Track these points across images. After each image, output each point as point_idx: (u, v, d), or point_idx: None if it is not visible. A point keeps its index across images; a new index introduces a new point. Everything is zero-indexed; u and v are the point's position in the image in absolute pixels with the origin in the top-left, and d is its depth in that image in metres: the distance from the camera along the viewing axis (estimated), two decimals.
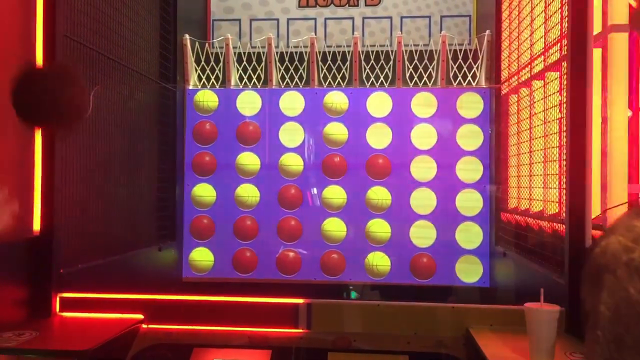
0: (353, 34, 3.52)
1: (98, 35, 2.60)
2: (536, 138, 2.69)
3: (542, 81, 2.64)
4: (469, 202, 3.39)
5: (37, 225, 2.22)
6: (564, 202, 2.17)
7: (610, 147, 2.02)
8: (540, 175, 2.60)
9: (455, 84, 3.43)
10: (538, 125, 2.66)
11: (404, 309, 2.17)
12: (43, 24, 2.23)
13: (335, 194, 3.46)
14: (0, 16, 2.11)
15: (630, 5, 2.28)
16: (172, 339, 2.20)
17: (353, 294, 3.64)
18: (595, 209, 2.09)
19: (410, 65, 3.46)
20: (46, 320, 2.18)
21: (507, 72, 3.25)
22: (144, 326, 2.23)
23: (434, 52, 3.44)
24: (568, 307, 2.05)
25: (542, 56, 2.62)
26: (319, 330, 2.15)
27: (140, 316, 2.23)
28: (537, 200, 2.63)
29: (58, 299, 2.24)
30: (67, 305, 2.25)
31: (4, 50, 2.12)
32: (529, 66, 2.82)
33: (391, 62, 3.47)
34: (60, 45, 2.26)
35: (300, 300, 2.19)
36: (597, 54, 2.12)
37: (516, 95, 3.06)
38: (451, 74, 3.43)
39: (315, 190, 3.48)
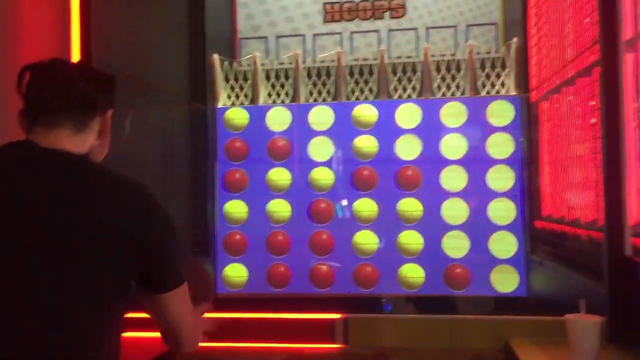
0: (379, 46, 3.54)
1: (131, 59, 2.67)
2: (569, 145, 2.66)
3: (574, 87, 2.61)
4: (502, 211, 3.36)
5: None
6: (601, 209, 2.14)
7: None
8: (575, 182, 2.57)
9: (484, 93, 3.41)
10: (571, 132, 2.63)
11: (441, 322, 2.16)
12: (80, 51, 2.29)
13: (366, 206, 3.46)
14: (38, 44, 2.19)
15: None
16: (213, 356, 2.22)
17: (387, 306, 3.63)
18: (634, 216, 2.05)
19: (438, 76, 3.45)
20: None
21: (536, 79, 3.22)
22: None
23: (461, 62, 3.43)
24: (609, 317, 2.02)
25: (573, 62, 2.59)
26: (356, 344, 2.15)
27: None
28: (573, 207, 2.60)
29: None
30: None
31: None
32: (560, 73, 2.79)
33: (419, 73, 3.47)
34: None
35: (336, 315, 2.19)
36: (628, 59, 2.09)
37: (547, 102, 3.03)
38: (479, 83, 3.41)
39: (345, 202, 3.49)
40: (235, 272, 3.54)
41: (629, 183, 2.03)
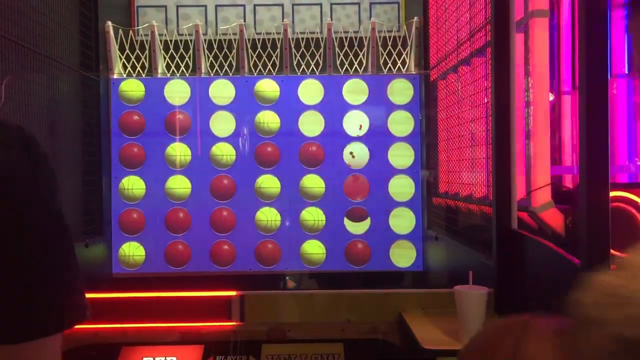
0: (283, 20, 3.47)
1: (8, 21, 2.45)
2: (464, 123, 2.73)
3: (469, 67, 2.68)
4: (402, 187, 3.43)
5: None
6: (491, 185, 2.21)
7: (533, 131, 2.07)
8: (469, 159, 2.65)
9: (385, 71, 3.44)
10: (466, 111, 2.70)
11: (337, 297, 2.16)
12: None
13: (269, 183, 3.42)
14: None
15: None
16: (100, 339, 2.12)
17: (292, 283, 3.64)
18: (521, 191, 2.14)
19: (341, 52, 3.45)
20: None
21: (435, 58, 3.28)
22: None
23: (364, 39, 3.44)
24: (497, 288, 2.10)
25: (468, 42, 2.66)
26: (253, 322, 2.12)
27: None
28: (466, 184, 2.68)
29: None
30: None
31: None
32: (456, 52, 2.86)
33: (322, 49, 3.44)
34: None
35: (232, 293, 2.14)
36: (520, 39, 2.16)
37: (445, 81, 3.10)
38: (381, 61, 3.44)
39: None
40: (132, 251, 3.40)
41: (516, 160, 2.11)
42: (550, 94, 2.74)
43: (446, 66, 3.06)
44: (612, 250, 1.95)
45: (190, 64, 3.42)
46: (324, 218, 3.42)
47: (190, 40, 3.42)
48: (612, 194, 2.10)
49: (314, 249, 3.41)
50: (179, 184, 3.41)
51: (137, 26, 3.47)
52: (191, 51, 3.41)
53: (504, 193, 2.09)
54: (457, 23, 2.82)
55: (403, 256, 3.43)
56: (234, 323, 2.12)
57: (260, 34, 3.49)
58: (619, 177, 3.04)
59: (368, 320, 2.13)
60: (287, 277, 3.59)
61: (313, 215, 3.41)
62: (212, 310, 2.12)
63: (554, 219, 2.08)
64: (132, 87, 3.40)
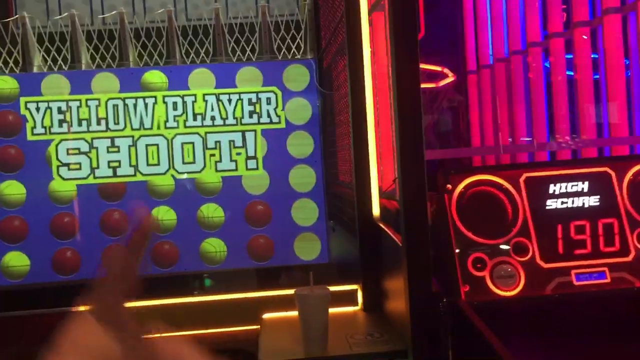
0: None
1: None
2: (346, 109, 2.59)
3: None
4: (303, 177, 3.29)
5: None
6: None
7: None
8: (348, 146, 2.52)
9: (280, 57, 3.28)
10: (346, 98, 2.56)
11: (194, 306, 2.01)
12: None
13: (164, 180, 3.24)
14: None
15: None
16: None
17: (207, 282, 3.49)
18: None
19: (232, 39, 3.27)
20: None
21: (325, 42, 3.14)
22: None
23: (255, 24, 3.27)
24: (362, 282, 1.98)
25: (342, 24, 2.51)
26: None
27: None
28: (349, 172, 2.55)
29: None
30: None
31: None
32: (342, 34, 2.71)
33: (211, 36, 3.26)
34: None
35: None
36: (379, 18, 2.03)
37: (336, 66, 2.96)
38: (275, 46, 3.28)
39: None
40: None
41: (375, 148, 1.99)
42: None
43: (335, 49, 2.91)
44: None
45: (69, 57, 3.19)
46: (222, 214, 3.26)
47: (67, 32, 3.19)
48: (478, 177, 2.00)
49: (213, 246, 3.25)
50: (63, 187, 3.20)
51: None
52: (68, 43, 3.18)
53: (364, 180, 1.97)
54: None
55: (307, 249, 3.29)
56: None
57: (153, 22, 3.28)
58: (519, 157, 2.97)
59: (226, 329, 1.98)
60: (205, 275, 3.44)
61: (212, 212, 3.25)
62: None
63: None
64: (3, 85, 3.16)
